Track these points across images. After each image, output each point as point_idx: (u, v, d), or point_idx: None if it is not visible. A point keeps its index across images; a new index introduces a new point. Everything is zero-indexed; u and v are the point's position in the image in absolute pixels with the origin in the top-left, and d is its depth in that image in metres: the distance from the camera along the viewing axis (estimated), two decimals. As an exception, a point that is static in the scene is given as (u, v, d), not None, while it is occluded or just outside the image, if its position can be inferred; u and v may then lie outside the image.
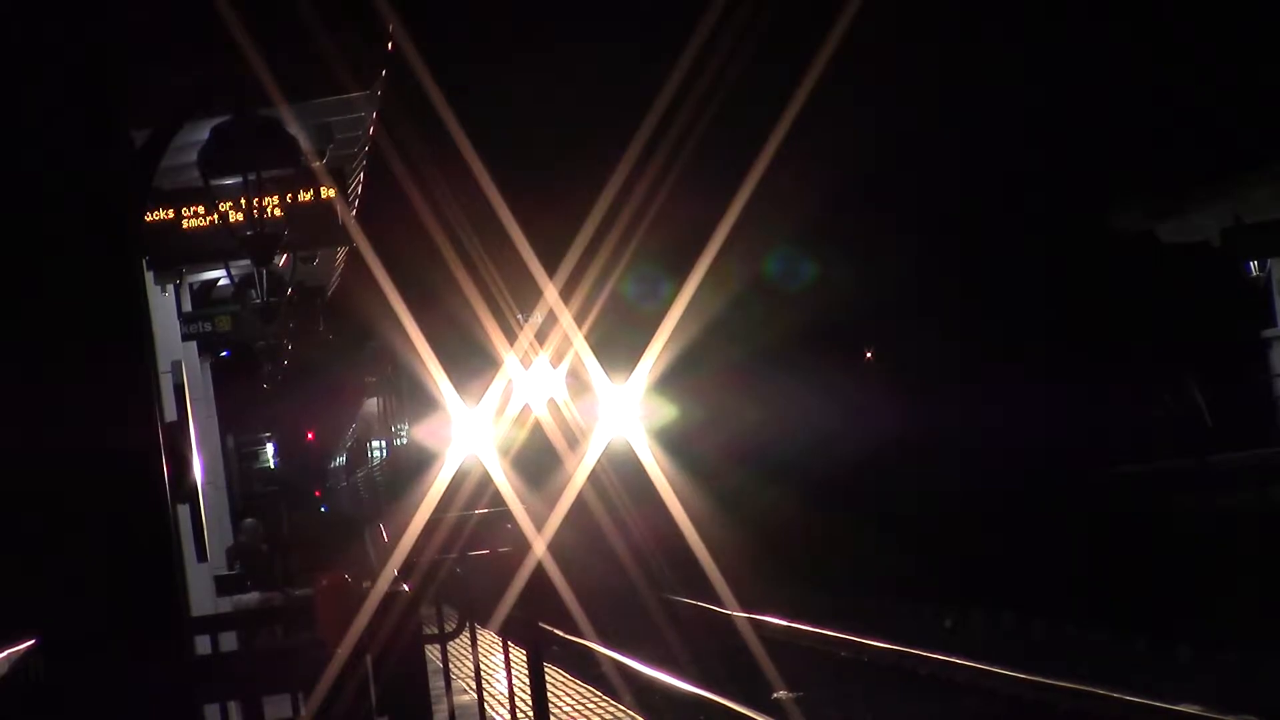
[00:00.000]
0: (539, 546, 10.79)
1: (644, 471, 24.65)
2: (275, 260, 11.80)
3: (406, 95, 13.11)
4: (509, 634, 11.35)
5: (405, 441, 32.11)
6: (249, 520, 22.01)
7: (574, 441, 25.58)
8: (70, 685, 7.29)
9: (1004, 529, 25.14)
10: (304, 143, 10.17)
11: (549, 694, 10.81)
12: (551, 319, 25.43)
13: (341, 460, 57.99)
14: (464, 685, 13.01)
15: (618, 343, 27.91)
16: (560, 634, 21.58)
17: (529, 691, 10.19)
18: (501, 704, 12.32)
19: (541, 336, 25.97)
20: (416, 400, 30.10)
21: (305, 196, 11.70)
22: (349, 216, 13.62)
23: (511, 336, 25.23)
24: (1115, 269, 35.29)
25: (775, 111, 17.85)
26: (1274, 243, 26.93)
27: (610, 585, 25.66)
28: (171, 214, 11.89)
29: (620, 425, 26.86)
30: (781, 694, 17.75)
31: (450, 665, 10.29)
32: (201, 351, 19.40)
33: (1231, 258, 28.08)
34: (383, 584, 8.27)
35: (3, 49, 7.58)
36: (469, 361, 26.54)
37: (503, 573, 10.45)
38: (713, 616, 23.56)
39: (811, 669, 19.47)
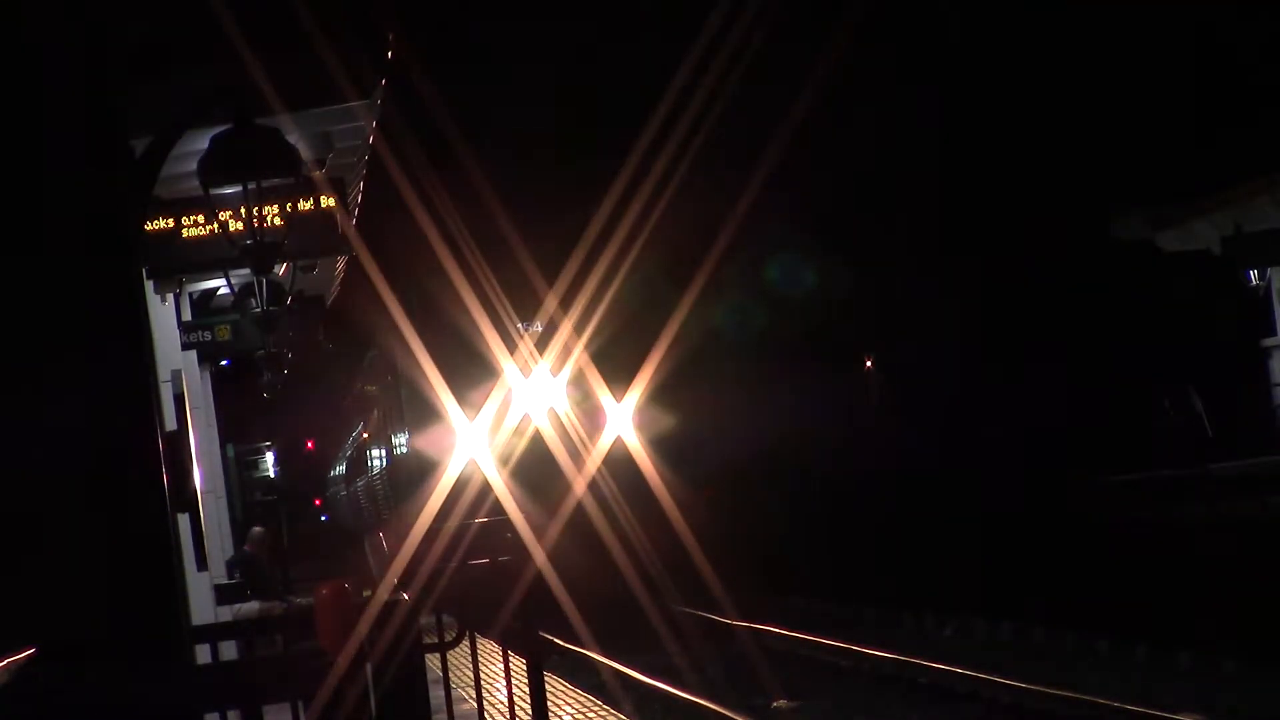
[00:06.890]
0: (539, 555, 10.80)
1: (644, 480, 24.62)
2: (275, 269, 11.78)
3: (407, 104, 13.12)
4: (509, 643, 11.34)
5: (405, 450, 32.03)
6: (257, 529, 21.90)
7: (574, 451, 25.54)
8: (70, 694, 7.28)
9: (1003, 536, 25.12)
10: (304, 152, 10.17)
11: (549, 703, 10.80)
12: (552, 327, 25.41)
13: (342, 469, 58.00)
14: (464, 694, 13.00)
15: (618, 351, 27.86)
16: (560, 643, 21.55)
17: (529, 700, 10.18)
18: (502, 713, 12.31)
19: (542, 345, 25.94)
20: (416, 409, 30.02)
21: (305, 205, 11.69)
22: (349, 225, 13.62)
23: (512, 345, 25.19)
24: (1116, 277, 35.28)
25: (776, 118, 17.91)
26: (1274, 252, 26.93)
27: (610, 593, 25.61)
28: (171, 223, 11.88)
29: (620, 433, 26.82)
30: (781, 703, 17.75)
31: (450, 674, 10.28)
32: (201, 360, 19.37)
33: (1232, 267, 28.09)
34: (383, 593, 8.25)
35: (3, 58, 7.59)
36: (469, 370, 26.48)
37: (503, 581, 10.46)
38: (712, 625, 23.53)
39: (811, 677, 19.46)
